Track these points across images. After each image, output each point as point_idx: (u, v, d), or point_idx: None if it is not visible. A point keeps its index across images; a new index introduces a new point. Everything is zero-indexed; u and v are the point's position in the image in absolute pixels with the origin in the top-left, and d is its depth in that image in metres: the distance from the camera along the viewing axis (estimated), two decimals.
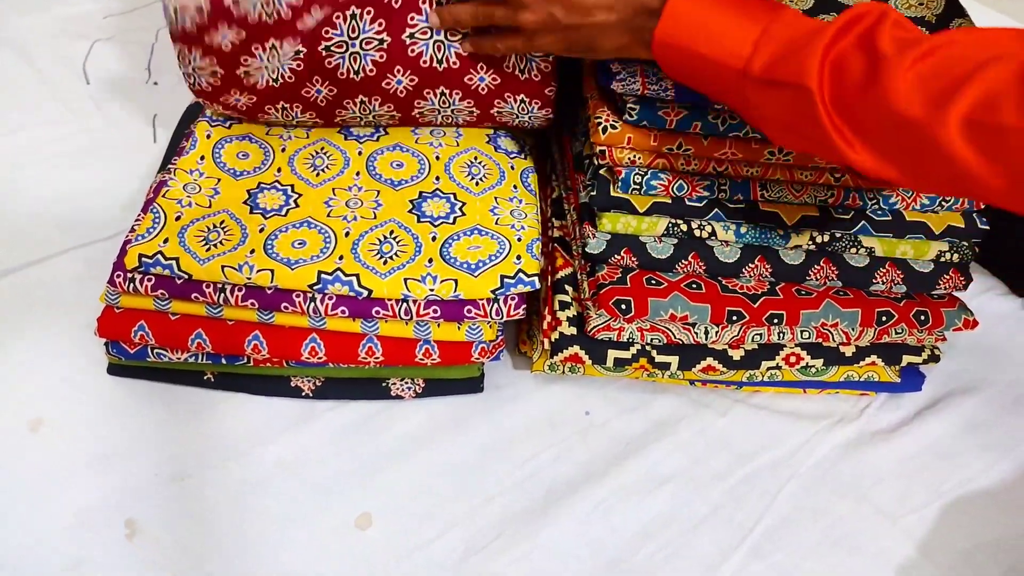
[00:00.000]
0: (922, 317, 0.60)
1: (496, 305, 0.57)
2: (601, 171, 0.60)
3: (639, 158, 0.58)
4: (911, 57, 0.41)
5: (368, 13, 0.58)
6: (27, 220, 0.70)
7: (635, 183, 0.58)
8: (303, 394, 0.61)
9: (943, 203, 0.61)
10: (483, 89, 0.63)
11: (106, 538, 0.52)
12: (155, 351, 0.58)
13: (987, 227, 0.59)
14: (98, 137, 0.79)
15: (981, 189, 0.40)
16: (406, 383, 0.61)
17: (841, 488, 0.58)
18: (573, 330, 0.60)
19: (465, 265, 0.57)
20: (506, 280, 0.57)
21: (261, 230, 0.57)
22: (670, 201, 0.59)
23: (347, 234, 0.58)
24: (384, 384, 0.61)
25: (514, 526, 0.55)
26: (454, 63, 0.61)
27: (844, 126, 0.43)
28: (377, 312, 0.56)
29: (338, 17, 0.58)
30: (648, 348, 0.60)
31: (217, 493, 0.55)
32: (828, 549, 0.55)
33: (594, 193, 0.59)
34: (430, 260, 0.57)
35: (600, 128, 0.57)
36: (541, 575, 0.53)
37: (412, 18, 0.59)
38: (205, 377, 0.60)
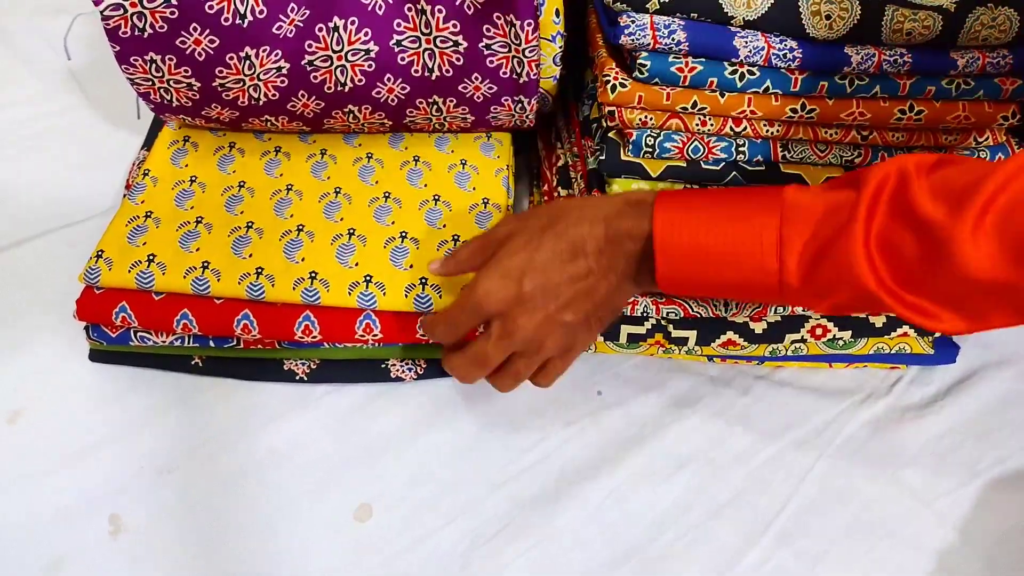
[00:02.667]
0: None
1: None
2: (610, 134, 0.56)
3: (651, 119, 0.54)
4: (972, 215, 0.35)
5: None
6: (4, 201, 0.67)
7: (647, 146, 0.55)
8: (297, 378, 0.57)
9: None
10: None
11: (89, 534, 0.49)
12: (138, 335, 0.55)
13: None
14: (79, 114, 0.75)
15: None
16: (407, 364, 0.57)
17: (871, 469, 0.55)
18: None
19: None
20: None
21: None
22: (685, 164, 0.56)
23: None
24: (383, 366, 0.57)
25: (523, 515, 0.52)
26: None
27: (923, 301, 0.38)
28: None
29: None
30: (663, 322, 0.57)
31: (206, 486, 0.52)
32: (859, 533, 0.52)
33: (603, 158, 0.56)
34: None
35: (609, 87, 0.53)
36: (552, 566, 0.50)
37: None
38: (193, 362, 0.57)
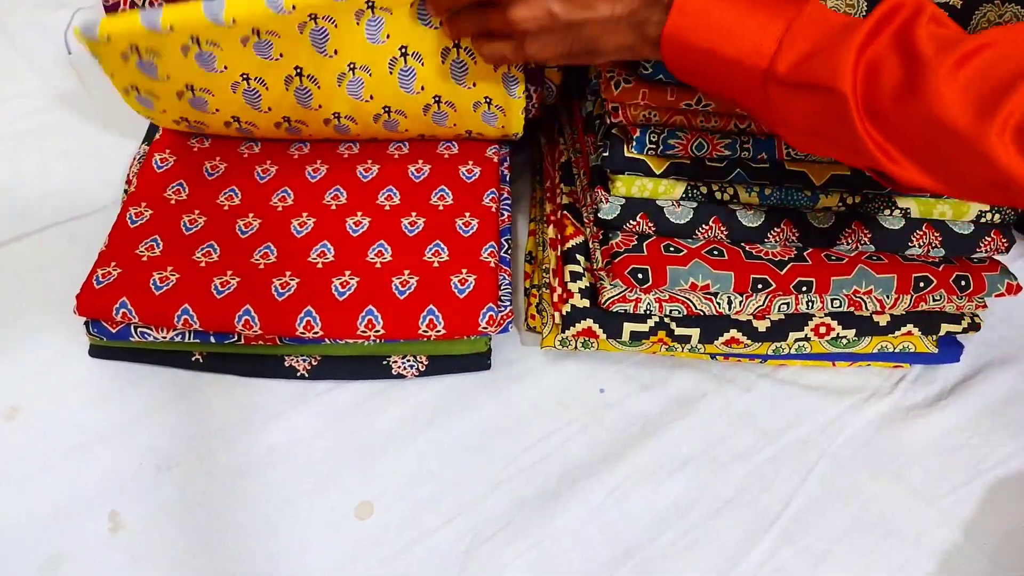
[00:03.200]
0: (962, 282, 0.56)
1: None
2: (614, 131, 0.56)
3: (655, 115, 0.54)
4: (954, 58, 0.37)
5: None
6: (3, 196, 0.66)
7: (651, 143, 0.54)
8: (298, 375, 0.57)
9: None
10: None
11: (88, 532, 0.49)
12: (139, 330, 0.55)
13: None
14: (80, 109, 0.75)
15: None
16: (408, 361, 0.57)
17: (874, 467, 0.55)
18: (586, 302, 0.56)
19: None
20: None
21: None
22: (689, 162, 0.55)
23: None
24: (385, 362, 0.57)
25: (524, 513, 0.52)
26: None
27: (878, 133, 0.39)
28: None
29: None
30: (667, 320, 0.56)
31: (205, 483, 0.52)
32: (862, 533, 0.52)
33: (607, 155, 0.55)
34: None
35: (612, 84, 0.53)
36: (553, 565, 0.50)
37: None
38: (193, 358, 0.57)
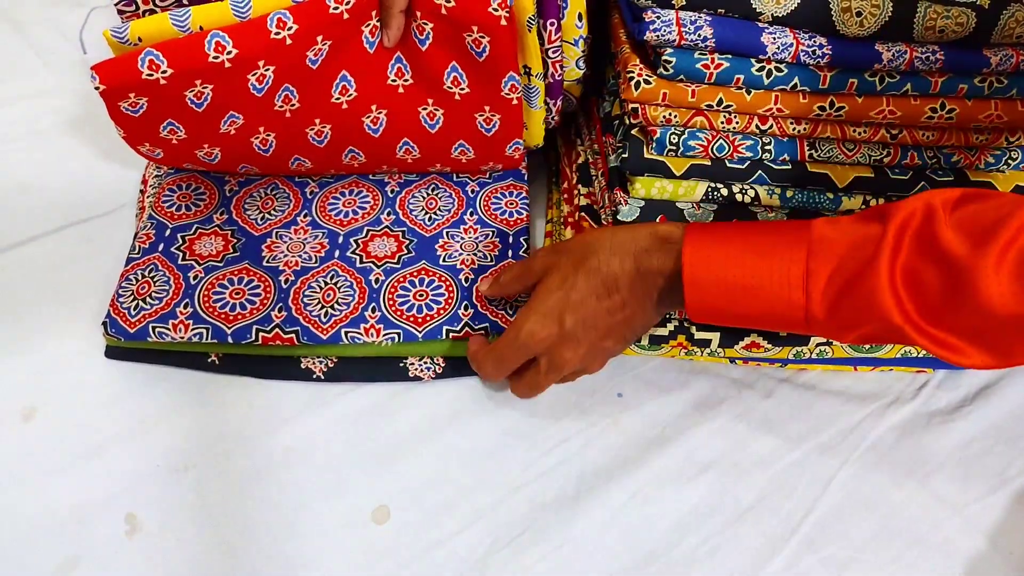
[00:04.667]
0: None
1: None
2: (633, 131, 0.55)
3: (675, 116, 0.53)
4: (995, 252, 0.36)
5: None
6: (20, 196, 0.66)
7: (671, 143, 0.54)
8: (314, 377, 0.56)
9: (1009, 161, 0.56)
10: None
11: (104, 533, 0.49)
12: (157, 331, 0.54)
13: None
14: (96, 108, 0.74)
15: None
16: (425, 363, 0.57)
17: (898, 474, 0.54)
18: None
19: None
20: None
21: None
22: (710, 163, 0.55)
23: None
24: (402, 364, 0.57)
25: (543, 518, 0.51)
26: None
27: (947, 335, 0.39)
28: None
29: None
30: (687, 324, 0.56)
31: (222, 485, 0.51)
32: (887, 540, 0.51)
33: (626, 156, 0.55)
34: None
35: (632, 84, 0.52)
36: (572, 571, 0.49)
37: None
38: (209, 360, 0.56)
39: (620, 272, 0.47)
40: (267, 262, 0.59)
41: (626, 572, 0.49)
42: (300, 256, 0.59)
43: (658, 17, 0.51)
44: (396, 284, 0.58)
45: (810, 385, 0.58)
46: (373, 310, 0.57)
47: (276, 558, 0.49)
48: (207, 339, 0.54)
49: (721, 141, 0.54)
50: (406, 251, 0.60)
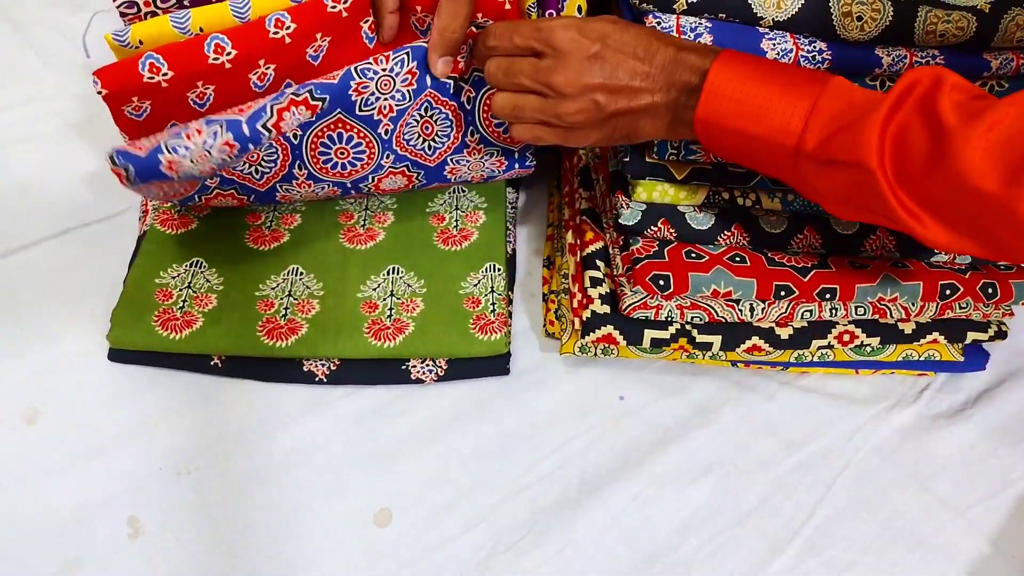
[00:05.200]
0: (989, 290, 0.55)
1: None
2: None
3: None
4: (980, 127, 0.37)
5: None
6: (22, 200, 0.66)
7: (672, 148, 0.54)
8: (316, 379, 0.57)
9: None
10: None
11: (106, 534, 0.49)
12: (170, 145, 0.47)
13: None
14: (98, 112, 0.74)
15: None
16: (427, 365, 0.57)
17: (900, 477, 0.54)
18: (606, 308, 0.56)
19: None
20: None
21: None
22: (711, 167, 0.55)
23: None
24: (404, 367, 0.57)
25: (545, 520, 0.51)
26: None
27: (911, 202, 0.40)
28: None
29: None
30: (688, 327, 0.56)
31: (224, 487, 0.51)
32: (888, 543, 0.51)
33: (627, 159, 0.55)
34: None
35: None
36: (574, 573, 0.49)
37: None
38: (212, 363, 0.57)
39: (660, 50, 0.47)
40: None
41: (627, 574, 0.49)
42: (317, 195, 0.60)
43: (659, 22, 0.51)
44: None
45: (811, 388, 0.58)
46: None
47: (277, 559, 0.49)
48: (222, 135, 0.47)
49: None
50: (417, 181, 0.61)
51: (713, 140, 0.46)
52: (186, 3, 0.51)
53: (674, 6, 0.51)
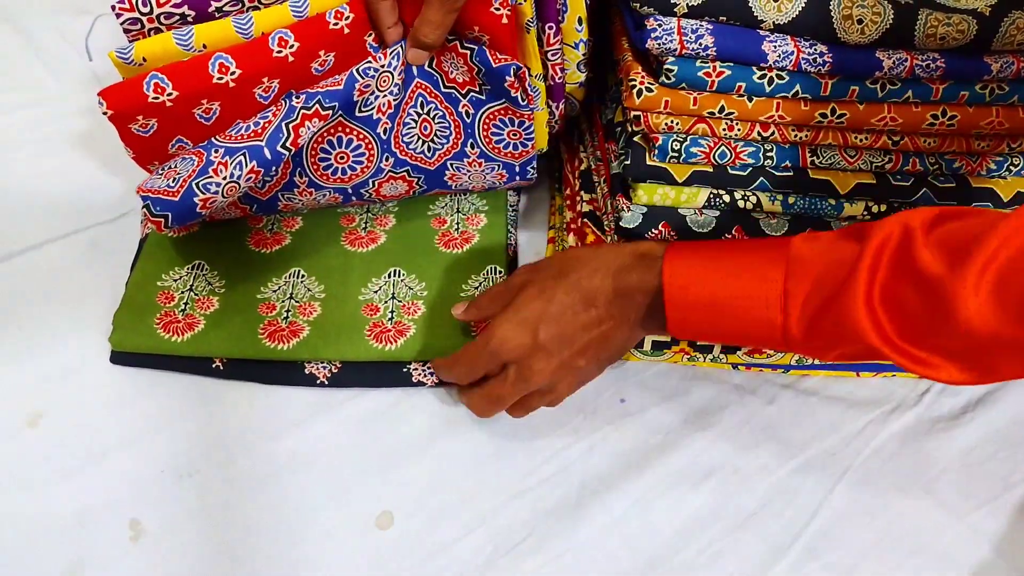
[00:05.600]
0: None
1: None
2: (635, 138, 0.55)
3: (677, 123, 0.53)
4: (973, 272, 0.36)
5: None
6: (25, 202, 0.67)
7: (673, 150, 0.54)
8: (318, 382, 0.57)
9: (1011, 168, 0.56)
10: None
11: (109, 538, 0.49)
12: (201, 184, 0.49)
13: None
14: (100, 116, 0.75)
15: None
16: (428, 368, 0.57)
17: (901, 481, 0.54)
18: None
19: None
20: None
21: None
22: (711, 169, 0.55)
23: None
24: (405, 370, 0.57)
25: (546, 524, 0.51)
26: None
27: (927, 354, 0.39)
28: None
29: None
30: None
31: (226, 490, 0.52)
32: (889, 548, 0.51)
33: (628, 162, 0.55)
34: None
35: (635, 92, 0.53)
36: None
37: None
38: (214, 365, 0.57)
39: (599, 288, 0.47)
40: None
41: None
42: (319, 203, 0.60)
43: (659, 25, 0.51)
44: None
45: (812, 391, 0.58)
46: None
47: (279, 562, 0.49)
48: (247, 164, 0.50)
49: (723, 148, 0.54)
50: (418, 186, 0.61)
51: (695, 338, 0.47)
52: (189, 20, 0.51)
53: (675, 9, 0.51)
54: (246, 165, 0.50)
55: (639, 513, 0.52)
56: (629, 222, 0.55)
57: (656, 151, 0.54)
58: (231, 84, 0.50)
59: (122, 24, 0.52)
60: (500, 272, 0.60)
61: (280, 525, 0.50)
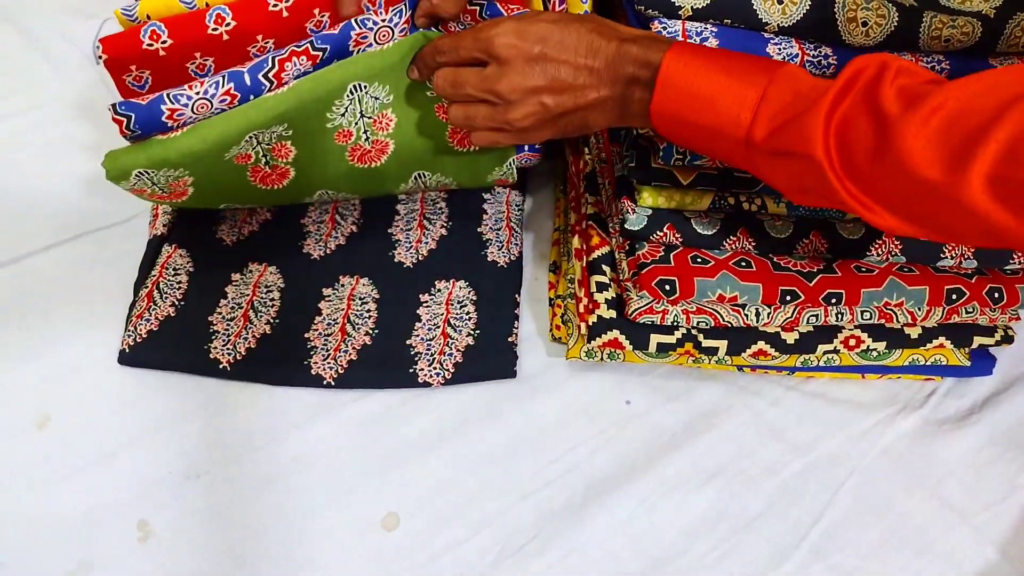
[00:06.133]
0: (995, 294, 0.55)
1: None
2: (640, 141, 0.55)
3: None
4: (921, 114, 0.37)
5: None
6: (31, 206, 0.67)
7: (678, 153, 0.54)
8: (324, 383, 0.57)
9: None
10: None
11: (116, 539, 0.50)
12: (171, 95, 0.48)
13: None
14: (108, 117, 0.75)
15: (1016, 242, 0.38)
16: (435, 368, 0.57)
17: (907, 482, 0.54)
18: (612, 313, 0.56)
19: None
20: None
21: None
22: (716, 172, 0.55)
23: None
24: (411, 370, 0.57)
25: (551, 525, 0.51)
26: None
27: (860, 192, 0.40)
28: None
29: None
30: (694, 332, 0.56)
31: (233, 491, 0.52)
32: (895, 549, 0.51)
33: (633, 165, 0.55)
34: None
35: None
36: None
37: None
38: (221, 367, 0.57)
39: (605, 45, 0.47)
40: None
41: None
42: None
43: (664, 28, 0.52)
44: None
45: (817, 393, 0.58)
46: None
47: (285, 562, 0.49)
48: (224, 85, 0.50)
49: None
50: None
51: (666, 130, 0.47)
52: None
53: (679, 12, 0.52)
54: (223, 86, 0.50)
55: (644, 514, 0.52)
56: (634, 224, 0.55)
57: (661, 154, 0.54)
58: (225, 36, 0.51)
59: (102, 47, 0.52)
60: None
61: (286, 526, 0.51)
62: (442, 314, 0.60)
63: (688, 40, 0.51)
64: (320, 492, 0.52)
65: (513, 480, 0.53)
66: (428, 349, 0.58)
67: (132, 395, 0.56)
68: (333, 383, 0.57)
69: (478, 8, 0.54)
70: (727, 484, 0.53)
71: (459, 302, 0.61)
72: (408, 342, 0.59)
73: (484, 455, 0.54)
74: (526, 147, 0.62)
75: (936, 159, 0.37)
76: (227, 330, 0.59)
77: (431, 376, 0.57)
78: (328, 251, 0.64)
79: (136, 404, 0.56)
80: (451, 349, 0.58)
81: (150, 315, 0.59)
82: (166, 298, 0.60)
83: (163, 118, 0.49)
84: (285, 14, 0.51)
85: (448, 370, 0.57)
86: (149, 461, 0.53)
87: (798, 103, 0.41)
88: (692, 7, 0.51)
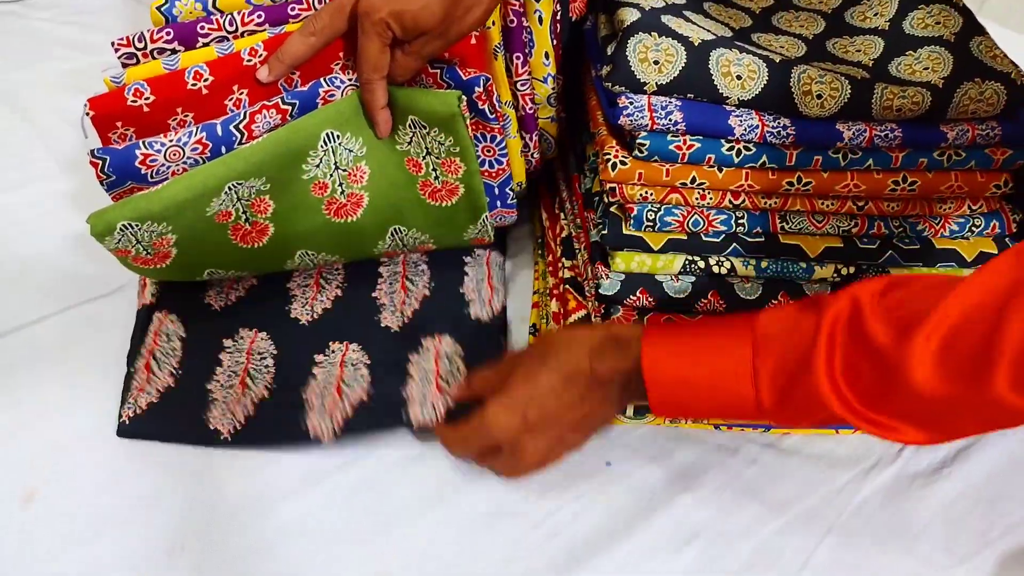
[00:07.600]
0: None
1: None
2: (612, 208, 0.57)
3: (651, 194, 0.56)
4: (919, 339, 0.38)
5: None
6: (23, 278, 0.68)
7: (648, 220, 0.56)
8: (324, 443, 0.57)
9: (973, 229, 0.58)
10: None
11: None
12: (146, 141, 0.52)
13: None
14: (97, 191, 0.77)
15: None
16: (426, 410, 0.57)
17: (883, 539, 0.54)
18: None
19: None
20: None
21: None
22: (686, 237, 0.57)
23: None
24: (405, 419, 0.57)
25: None
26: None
27: (887, 418, 0.41)
28: None
29: None
30: None
31: (219, 564, 0.52)
32: None
33: (605, 232, 0.57)
34: None
35: (609, 165, 0.55)
36: None
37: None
38: (222, 438, 0.57)
39: (577, 372, 0.50)
40: None
41: None
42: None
43: (631, 103, 0.54)
44: None
45: (794, 450, 0.59)
46: None
47: None
48: (196, 134, 0.53)
49: (696, 216, 0.56)
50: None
51: (677, 415, 0.51)
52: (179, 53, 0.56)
53: (644, 87, 0.54)
54: (195, 135, 0.53)
55: None
56: (608, 289, 0.57)
57: (632, 221, 0.56)
58: (204, 91, 0.54)
59: (119, 58, 0.57)
60: (424, 126, 0.57)
61: None
62: (432, 369, 0.61)
63: (655, 118, 0.53)
64: (308, 562, 0.52)
65: (497, 546, 0.54)
66: (423, 401, 0.58)
67: (118, 469, 0.56)
68: (336, 437, 0.57)
69: (438, 72, 0.57)
70: (706, 547, 0.54)
71: (447, 356, 0.62)
72: (403, 395, 0.59)
73: (466, 521, 0.55)
74: (499, 204, 0.64)
75: (948, 377, 0.38)
76: (225, 398, 0.59)
77: (424, 415, 0.57)
78: (315, 316, 0.65)
79: (122, 478, 0.56)
80: (446, 398, 0.59)
81: (151, 387, 0.60)
82: (164, 368, 0.61)
83: (136, 163, 0.53)
84: (259, 66, 0.55)
85: (440, 412, 0.57)
86: (134, 536, 0.53)
87: (787, 362, 0.43)
88: (657, 83, 0.54)
